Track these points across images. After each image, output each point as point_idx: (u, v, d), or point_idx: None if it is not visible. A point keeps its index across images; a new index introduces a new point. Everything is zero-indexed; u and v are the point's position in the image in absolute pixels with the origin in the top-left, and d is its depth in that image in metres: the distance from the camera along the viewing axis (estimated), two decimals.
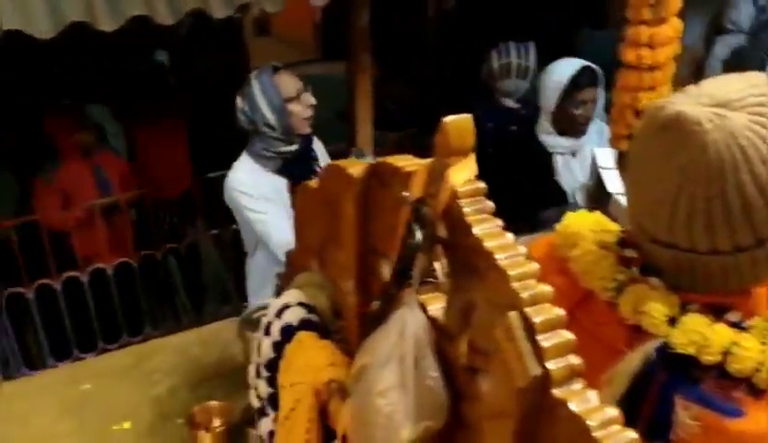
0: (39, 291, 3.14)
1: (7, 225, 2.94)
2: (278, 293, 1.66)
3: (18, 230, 3.01)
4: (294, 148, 2.32)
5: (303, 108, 2.28)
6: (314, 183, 1.27)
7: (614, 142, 2.18)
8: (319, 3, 2.40)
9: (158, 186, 3.49)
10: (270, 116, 2.23)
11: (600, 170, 2.15)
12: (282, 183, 2.30)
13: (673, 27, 2.06)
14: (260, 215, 2.25)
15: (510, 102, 3.14)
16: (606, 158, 2.19)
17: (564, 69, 2.70)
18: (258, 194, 2.27)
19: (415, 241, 0.84)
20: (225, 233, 3.42)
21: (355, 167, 1.08)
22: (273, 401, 1.25)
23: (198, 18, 2.42)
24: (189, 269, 3.88)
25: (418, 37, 4.98)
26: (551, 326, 0.70)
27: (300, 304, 1.27)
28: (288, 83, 2.27)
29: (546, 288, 0.72)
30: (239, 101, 2.27)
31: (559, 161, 2.75)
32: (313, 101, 2.30)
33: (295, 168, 2.32)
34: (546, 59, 2.96)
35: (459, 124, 0.83)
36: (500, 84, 3.11)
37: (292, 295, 1.30)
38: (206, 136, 3.75)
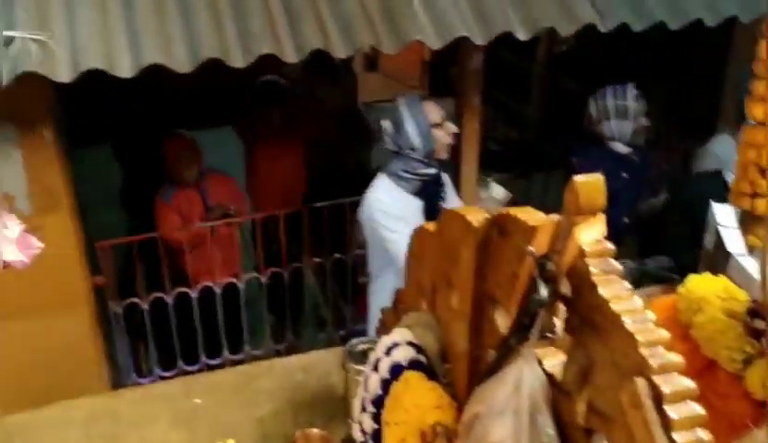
0: (152, 303, 3.33)
1: (134, 241, 3.16)
2: (381, 327, 1.69)
3: (138, 246, 3.23)
4: (431, 171, 2.48)
5: (445, 135, 2.47)
6: (431, 226, 1.31)
7: (736, 199, 2.08)
8: (436, 47, 2.46)
9: (270, 208, 3.64)
10: (415, 139, 2.41)
11: (719, 228, 2.04)
12: (416, 204, 2.46)
13: None
14: (394, 234, 2.37)
15: (620, 147, 3.06)
16: (726, 215, 2.09)
17: None
18: (394, 213, 2.41)
19: (539, 296, 0.85)
20: (327, 262, 3.51)
21: (476, 215, 1.11)
22: (377, 437, 1.28)
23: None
24: (291, 294, 4.00)
25: (526, 79, 4.97)
26: (681, 397, 0.69)
27: (409, 343, 1.30)
28: (434, 110, 2.47)
29: (677, 358, 0.71)
30: (385, 124, 2.45)
31: None
32: (455, 129, 2.50)
33: (429, 190, 2.49)
34: (683, 97, 2.85)
35: (590, 184, 0.84)
36: (600, 127, 3.05)
37: (401, 334, 1.33)
38: (316, 163, 3.91)
